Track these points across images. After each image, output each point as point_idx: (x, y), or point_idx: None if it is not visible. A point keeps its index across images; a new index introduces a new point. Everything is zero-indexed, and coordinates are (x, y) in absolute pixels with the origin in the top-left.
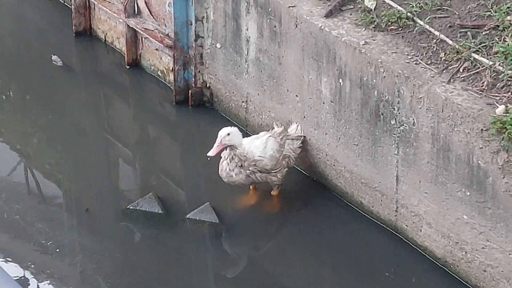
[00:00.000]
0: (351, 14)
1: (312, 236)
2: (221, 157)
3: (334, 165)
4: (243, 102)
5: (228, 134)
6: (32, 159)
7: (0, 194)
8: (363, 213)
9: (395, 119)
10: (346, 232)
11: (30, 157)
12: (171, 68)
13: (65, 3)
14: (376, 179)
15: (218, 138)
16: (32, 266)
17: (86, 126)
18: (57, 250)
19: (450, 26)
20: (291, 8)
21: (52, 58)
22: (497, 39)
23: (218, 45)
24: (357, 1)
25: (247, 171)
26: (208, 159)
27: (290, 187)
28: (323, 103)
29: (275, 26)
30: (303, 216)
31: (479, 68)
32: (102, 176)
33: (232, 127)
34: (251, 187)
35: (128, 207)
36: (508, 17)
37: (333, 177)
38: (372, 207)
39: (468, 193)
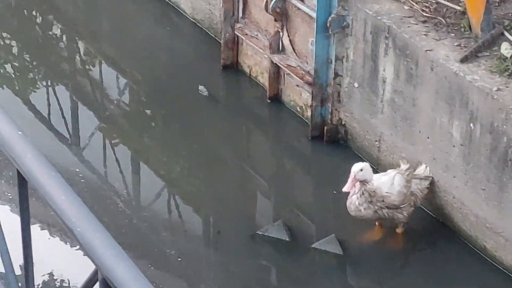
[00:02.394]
0: (486, 61)
1: (434, 277)
2: (350, 191)
3: (460, 208)
4: (376, 141)
5: (361, 169)
6: (175, 186)
7: (144, 221)
8: (486, 258)
9: None
10: (467, 276)
11: (173, 183)
12: (309, 104)
13: (216, 38)
14: (501, 224)
15: (351, 173)
16: (156, 270)
17: (227, 155)
18: (179, 259)
19: None
20: (428, 51)
21: (199, 88)
22: None
23: (356, 84)
24: (494, 49)
25: (375, 207)
26: (334, 192)
27: (415, 226)
28: (453, 146)
29: (411, 68)
30: (426, 256)
31: None
32: (236, 202)
33: (364, 162)
34: (376, 223)
35: (257, 232)
36: None
37: (458, 220)
38: (496, 252)
39: None
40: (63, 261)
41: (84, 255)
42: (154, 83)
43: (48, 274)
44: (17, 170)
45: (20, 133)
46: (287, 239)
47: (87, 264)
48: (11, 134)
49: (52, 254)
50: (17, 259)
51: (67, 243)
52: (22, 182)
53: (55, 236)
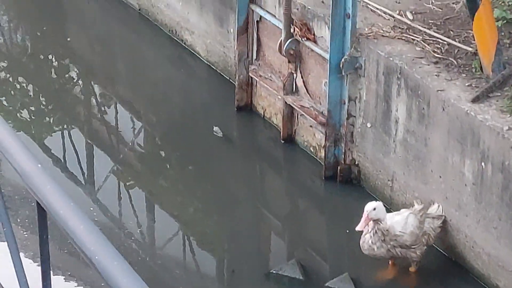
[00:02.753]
0: (497, 101)
1: None
2: (363, 230)
3: (473, 246)
4: (388, 180)
5: (374, 208)
6: (189, 226)
7: (158, 260)
8: None
9: None
10: None
11: (187, 224)
12: (322, 145)
13: (230, 80)
14: None
15: (364, 212)
16: None
17: (241, 196)
18: None
19: None
20: (439, 92)
21: (214, 129)
22: None
23: (369, 125)
24: (505, 89)
25: (388, 246)
26: (347, 231)
27: (428, 265)
28: (465, 185)
29: (423, 109)
30: None
31: None
32: (250, 242)
33: (378, 201)
34: (390, 262)
35: (271, 271)
36: None
37: (471, 259)
38: None
39: None
40: None
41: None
42: (168, 125)
43: None
44: (37, 201)
45: (39, 166)
46: (301, 278)
47: None
48: (31, 167)
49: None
50: None
51: (83, 280)
52: (42, 213)
53: (72, 273)
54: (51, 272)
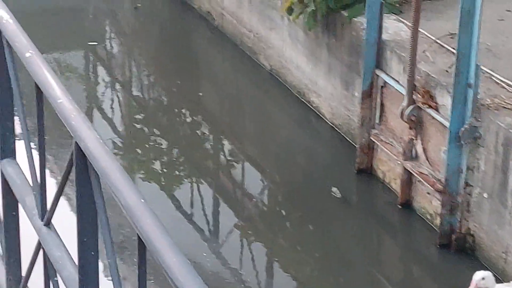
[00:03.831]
0: None
1: None
2: None
3: None
4: (503, 252)
5: (483, 278)
6: (305, 286)
7: None
8: None
9: None
10: None
11: (303, 283)
12: (439, 212)
13: (352, 142)
14: None
15: (473, 280)
16: None
17: (356, 258)
18: None
19: None
20: None
21: (332, 189)
22: None
23: (485, 195)
24: None
25: None
26: None
27: None
28: None
29: None
30: None
31: None
32: None
33: (487, 271)
34: None
35: None
36: None
37: None
38: None
39: None
40: None
41: None
42: (291, 183)
43: None
44: (138, 234)
45: (142, 200)
46: None
47: None
48: (134, 201)
49: None
50: None
51: None
52: (142, 246)
53: None
54: None
